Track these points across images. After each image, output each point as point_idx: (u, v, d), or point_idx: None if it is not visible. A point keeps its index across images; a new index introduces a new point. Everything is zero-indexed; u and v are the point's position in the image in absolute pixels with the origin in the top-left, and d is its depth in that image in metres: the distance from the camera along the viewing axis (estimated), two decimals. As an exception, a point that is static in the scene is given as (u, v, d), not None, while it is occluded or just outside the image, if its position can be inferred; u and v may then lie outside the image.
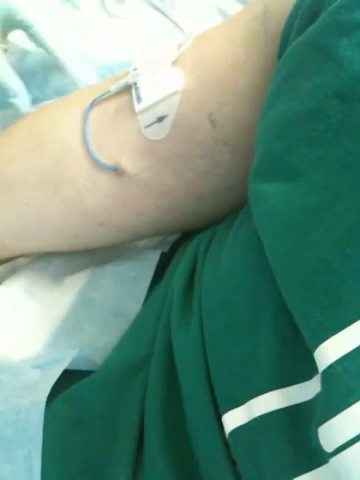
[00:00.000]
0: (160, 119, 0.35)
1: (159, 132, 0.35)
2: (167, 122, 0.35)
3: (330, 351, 0.21)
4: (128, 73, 0.37)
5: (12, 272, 0.45)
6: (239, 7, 0.60)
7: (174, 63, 0.35)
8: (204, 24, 0.58)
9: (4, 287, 0.42)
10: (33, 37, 0.50)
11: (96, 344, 0.37)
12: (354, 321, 0.21)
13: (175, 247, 0.41)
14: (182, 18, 0.58)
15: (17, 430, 0.30)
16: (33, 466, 0.29)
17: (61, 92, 0.52)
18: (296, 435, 0.23)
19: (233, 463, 0.25)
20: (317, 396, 0.23)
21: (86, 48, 0.55)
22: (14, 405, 0.31)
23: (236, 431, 0.25)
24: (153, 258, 0.39)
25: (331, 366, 0.21)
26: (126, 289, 0.39)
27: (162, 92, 0.35)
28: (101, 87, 0.38)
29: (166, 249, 0.41)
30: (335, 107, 0.24)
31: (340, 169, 0.23)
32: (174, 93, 0.35)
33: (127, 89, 0.37)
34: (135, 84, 0.36)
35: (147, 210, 0.37)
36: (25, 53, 0.53)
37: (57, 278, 0.43)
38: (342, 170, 0.23)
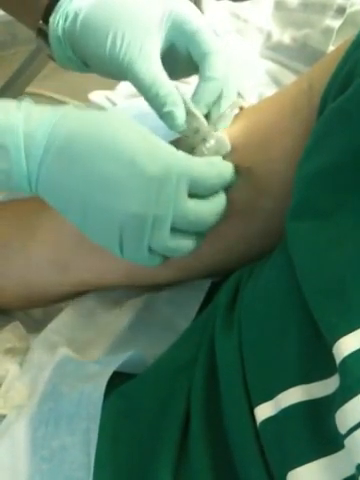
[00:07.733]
0: None
1: None
2: None
3: (344, 347, 0.26)
4: None
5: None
6: (290, 76, 0.68)
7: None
8: (261, 91, 0.66)
9: (70, 308, 0.49)
10: None
11: (148, 353, 0.42)
12: None
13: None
14: (241, 85, 0.66)
15: (79, 407, 0.35)
16: (91, 439, 0.34)
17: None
18: (316, 424, 0.28)
19: (261, 450, 0.30)
20: (336, 390, 0.27)
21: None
22: (78, 387, 0.37)
23: (265, 422, 0.30)
24: (203, 285, 0.45)
25: (344, 359, 0.26)
26: (177, 310, 0.45)
27: None
28: None
29: (216, 279, 0.46)
30: (352, 162, 0.30)
31: (356, 211, 0.29)
32: None
33: None
34: None
35: (204, 254, 0.43)
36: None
37: (118, 302, 0.49)
38: (357, 211, 0.29)
